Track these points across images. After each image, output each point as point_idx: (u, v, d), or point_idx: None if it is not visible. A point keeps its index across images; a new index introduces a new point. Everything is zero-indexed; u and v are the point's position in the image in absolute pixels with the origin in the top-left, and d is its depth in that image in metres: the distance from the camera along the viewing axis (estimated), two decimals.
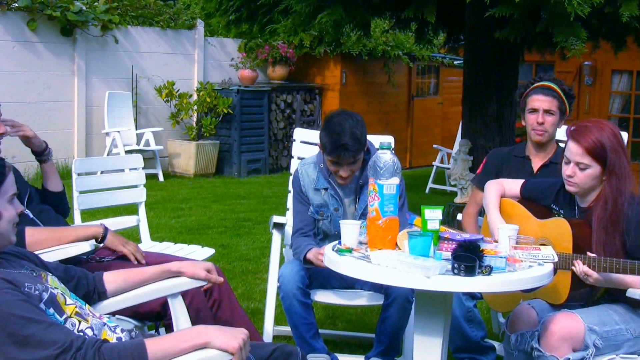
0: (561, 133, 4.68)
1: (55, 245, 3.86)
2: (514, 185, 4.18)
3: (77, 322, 2.76)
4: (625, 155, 3.76)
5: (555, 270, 3.60)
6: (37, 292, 2.68)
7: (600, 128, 3.74)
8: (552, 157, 4.52)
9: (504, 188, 4.19)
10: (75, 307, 2.82)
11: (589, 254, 3.60)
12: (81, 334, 2.72)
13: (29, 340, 2.52)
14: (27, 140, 4.27)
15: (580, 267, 3.57)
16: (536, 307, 3.82)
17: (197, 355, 2.63)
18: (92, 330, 2.79)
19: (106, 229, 4.11)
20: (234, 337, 2.66)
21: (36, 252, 3.40)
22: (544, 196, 4.05)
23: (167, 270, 3.34)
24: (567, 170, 3.79)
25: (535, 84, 4.55)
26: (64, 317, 2.73)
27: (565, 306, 3.81)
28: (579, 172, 3.74)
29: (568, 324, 3.59)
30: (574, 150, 3.74)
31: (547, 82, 4.53)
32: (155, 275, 3.34)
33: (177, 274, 3.33)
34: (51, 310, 2.69)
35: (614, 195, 3.71)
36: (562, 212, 3.95)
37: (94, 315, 2.89)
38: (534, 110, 4.48)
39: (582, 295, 3.80)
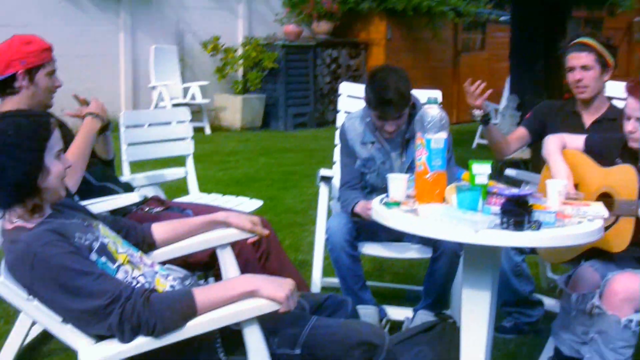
0: (612, 90, 4.64)
1: None
2: (575, 139, 4.11)
3: (129, 270, 2.80)
4: None
5: (617, 218, 3.57)
6: (87, 242, 2.72)
7: None
8: (605, 114, 4.46)
9: (565, 141, 4.12)
10: (127, 255, 2.86)
11: None
12: (134, 281, 2.75)
13: (80, 291, 2.56)
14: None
15: None
16: (599, 268, 3.78)
17: (244, 304, 2.65)
18: (145, 277, 2.82)
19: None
20: (281, 286, 2.67)
21: (84, 203, 3.44)
22: (609, 151, 3.96)
23: (214, 221, 3.34)
24: (628, 126, 3.72)
25: (571, 42, 4.48)
26: (117, 264, 2.77)
27: (626, 256, 3.78)
28: None
29: (632, 285, 3.53)
30: (634, 106, 3.68)
31: (581, 39, 4.45)
32: (203, 226, 3.35)
33: (224, 225, 3.33)
34: (103, 259, 2.73)
35: None
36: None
37: (145, 264, 2.92)
38: (571, 69, 4.43)
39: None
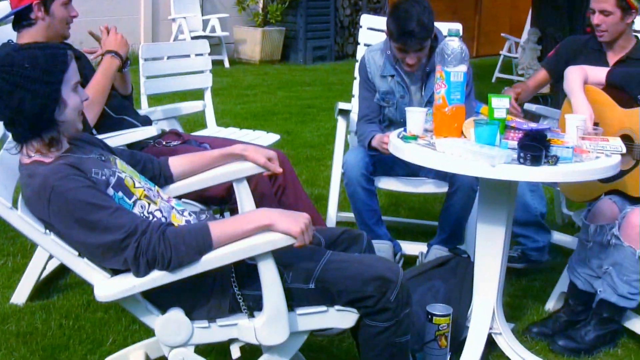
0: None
1: None
2: (598, 72, 4.04)
3: (146, 205, 2.79)
4: None
5: (637, 162, 3.54)
6: (104, 177, 2.71)
7: None
8: (630, 53, 4.36)
9: (587, 74, 4.05)
10: (144, 189, 2.85)
11: None
12: (150, 216, 2.76)
13: (97, 225, 2.57)
14: None
15: None
16: (618, 202, 3.77)
17: (259, 238, 2.64)
18: (161, 212, 2.82)
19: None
20: (296, 220, 2.66)
21: (101, 137, 3.43)
22: (633, 85, 3.90)
23: (230, 154, 3.32)
24: (593, 19, 3.65)
25: None
26: (133, 199, 2.76)
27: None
28: None
29: None
30: None
31: None
32: (219, 159, 3.33)
33: (241, 158, 3.31)
34: (120, 194, 2.72)
35: None
36: None
37: (162, 198, 2.92)
38: (593, 11, 4.35)
39: None
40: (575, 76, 4.04)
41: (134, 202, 2.75)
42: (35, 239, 2.72)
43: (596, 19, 4.31)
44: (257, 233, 2.65)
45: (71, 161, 2.67)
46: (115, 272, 2.68)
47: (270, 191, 3.98)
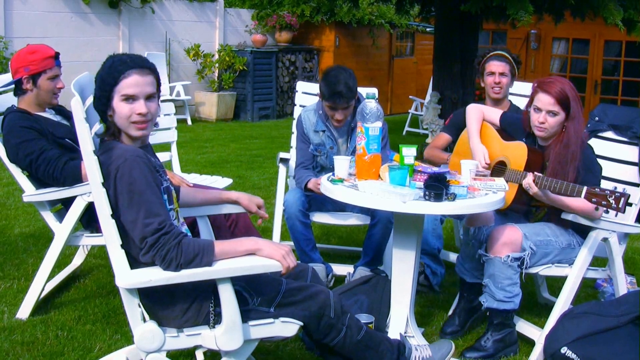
0: (516, 89, 4.68)
1: None
2: (492, 114, 4.13)
3: (175, 215, 2.81)
4: (580, 105, 3.71)
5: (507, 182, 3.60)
6: (159, 180, 2.70)
7: (562, 82, 3.69)
8: (509, 110, 4.48)
9: (483, 114, 4.15)
10: (179, 206, 2.92)
11: (536, 173, 3.55)
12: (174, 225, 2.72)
13: (142, 204, 2.55)
14: None
15: (527, 179, 3.52)
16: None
17: (256, 260, 2.67)
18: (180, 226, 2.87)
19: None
20: (279, 248, 2.69)
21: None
22: (518, 130, 3.97)
23: (227, 197, 3.33)
24: (539, 117, 3.69)
25: (492, 53, 4.55)
26: (171, 207, 2.76)
27: (509, 213, 3.86)
28: (550, 118, 3.67)
29: (509, 232, 3.60)
30: (546, 100, 3.65)
31: (500, 52, 4.56)
32: (217, 199, 3.35)
33: (235, 202, 3.32)
34: (165, 197, 2.71)
35: (575, 137, 3.65)
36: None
37: (179, 219, 2.95)
38: (492, 73, 4.50)
39: (523, 203, 3.80)
40: (473, 118, 4.13)
41: (170, 209, 2.74)
42: (93, 183, 2.61)
43: (497, 78, 4.48)
44: (245, 255, 2.67)
45: (144, 154, 2.65)
46: (133, 265, 2.65)
47: (225, 225, 3.96)
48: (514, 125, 4.02)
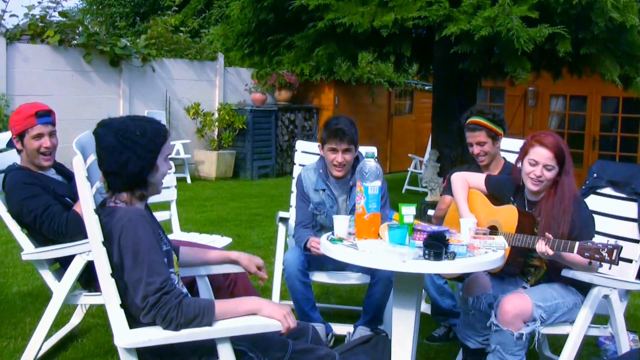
0: (509, 145, 4.67)
1: None
2: (477, 181, 4.14)
3: (176, 279, 2.83)
4: (572, 159, 3.74)
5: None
6: (161, 242, 2.73)
7: (556, 137, 3.73)
8: (502, 171, 4.49)
9: (467, 179, 4.16)
10: (179, 269, 2.94)
11: (547, 234, 3.52)
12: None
13: (144, 263, 2.56)
14: None
15: (541, 246, 3.50)
16: (488, 274, 3.83)
17: (256, 320, 2.68)
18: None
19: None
20: (279, 308, 2.71)
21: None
22: (504, 191, 3.99)
23: (227, 257, 3.36)
24: (536, 171, 3.70)
25: (468, 120, 4.49)
26: (172, 270, 2.78)
27: (505, 277, 3.86)
28: (546, 172, 3.69)
29: (519, 303, 3.56)
30: (544, 154, 3.67)
31: (474, 118, 4.47)
32: (217, 259, 3.38)
33: (234, 262, 3.34)
34: (165, 260, 2.71)
35: (569, 191, 3.68)
36: (515, 203, 3.92)
37: (179, 281, 2.96)
38: (470, 144, 4.49)
39: (517, 265, 3.79)
40: (458, 187, 4.14)
41: (171, 273, 2.75)
42: (92, 240, 2.64)
43: (475, 149, 4.47)
44: (245, 315, 2.69)
45: (148, 215, 2.71)
46: (132, 325, 2.64)
47: (224, 284, 3.95)
48: (499, 186, 4.05)
